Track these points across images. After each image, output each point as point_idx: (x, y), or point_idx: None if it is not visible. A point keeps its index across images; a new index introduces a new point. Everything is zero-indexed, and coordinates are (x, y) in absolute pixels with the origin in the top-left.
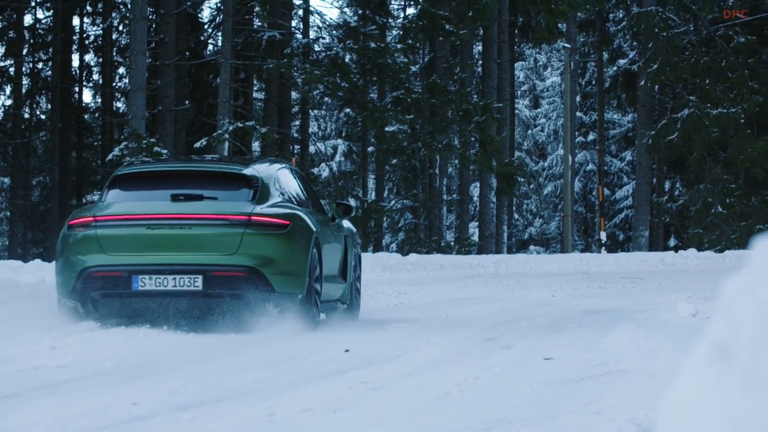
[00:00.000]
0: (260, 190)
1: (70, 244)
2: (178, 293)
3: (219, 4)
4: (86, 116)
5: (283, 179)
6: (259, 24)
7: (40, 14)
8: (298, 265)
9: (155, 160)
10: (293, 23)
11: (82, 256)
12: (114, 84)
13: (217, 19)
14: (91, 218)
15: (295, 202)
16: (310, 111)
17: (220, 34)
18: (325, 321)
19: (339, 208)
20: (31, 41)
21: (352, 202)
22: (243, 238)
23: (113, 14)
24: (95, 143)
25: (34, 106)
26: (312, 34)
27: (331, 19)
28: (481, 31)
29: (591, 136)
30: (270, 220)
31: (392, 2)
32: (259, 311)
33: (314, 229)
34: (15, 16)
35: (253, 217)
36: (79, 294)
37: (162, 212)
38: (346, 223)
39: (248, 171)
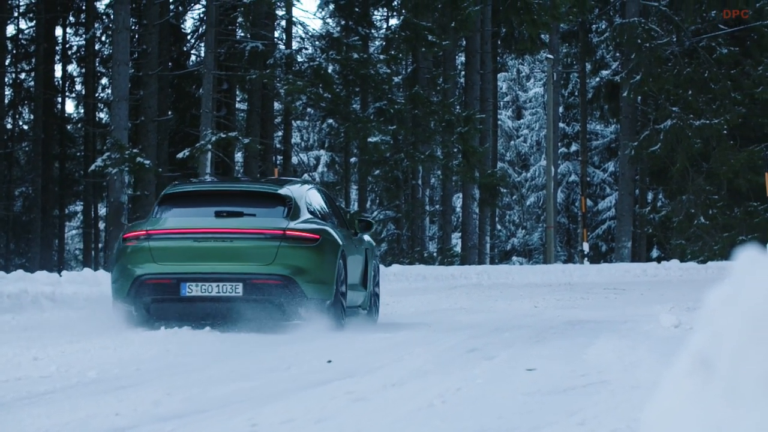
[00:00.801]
0: (293, 208)
1: (125, 255)
2: (221, 299)
3: (202, 15)
4: (69, 126)
5: (313, 198)
6: (242, 35)
7: (22, 24)
8: (327, 275)
9: (201, 181)
10: (276, 34)
11: (136, 266)
12: (97, 94)
13: (200, 29)
14: (143, 232)
15: (323, 218)
16: (292, 121)
17: (202, 44)
18: (312, 329)
19: (361, 223)
20: (14, 51)
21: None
22: (278, 250)
23: (96, 25)
24: (78, 154)
25: (17, 116)
26: (295, 45)
27: (313, 29)
28: (464, 42)
29: (574, 147)
30: (302, 234)
31: (375, 13)
32: (292, 315)
33: (340, 242)
34: None
35: (288, 232)
36: (132, 299)
37: (207, 227)
38: (367, 237)
39: (282, 191)
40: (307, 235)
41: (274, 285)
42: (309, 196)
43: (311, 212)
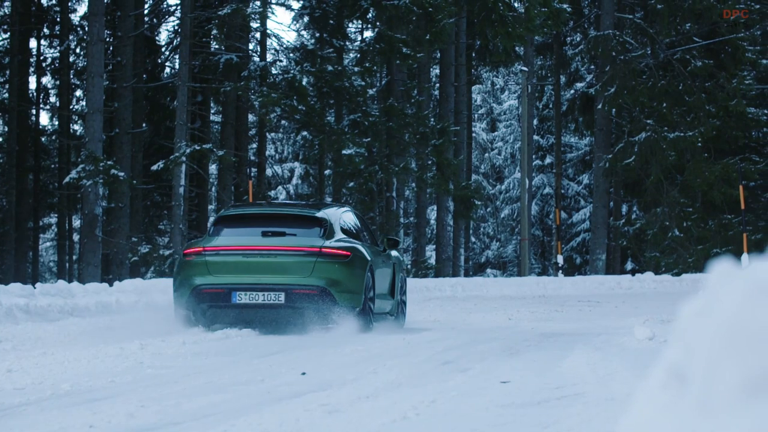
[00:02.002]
0: (328, 229)
1: (185, 268)
2: (266, 306)
3: (176, 27)
4: (43, 138)
5: (346, 219)
6: (217, 47)
7: None
8: (357, 285)
9: (250, 205)
10: (250, 46)
11: (194, 277)
12: (71, 106)
13: (175, 41)
14: (201, 249)
15: (355, 237)
16: (267, 134)
17: (177, 56)
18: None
19: (389, 241)
20: None
21: (399, 237)
22: (315, 264)
23: (70, 36)
24: (52, 166)
25: None
26: (269, 57)
27: (288, 42)
28: (439, 54)
29: (548, 160)
30: (336, 251)
31: (349, 25)
32: (326, 320)
33: (369, 258)
34: None
35: (323, 249)
36: (191, 305)
37: (254, 244)
38: (395, 253)
39: (319, 214)
40: (340, 251)
41: (311, 294)
42: (343, 218)
43: (344, 231)
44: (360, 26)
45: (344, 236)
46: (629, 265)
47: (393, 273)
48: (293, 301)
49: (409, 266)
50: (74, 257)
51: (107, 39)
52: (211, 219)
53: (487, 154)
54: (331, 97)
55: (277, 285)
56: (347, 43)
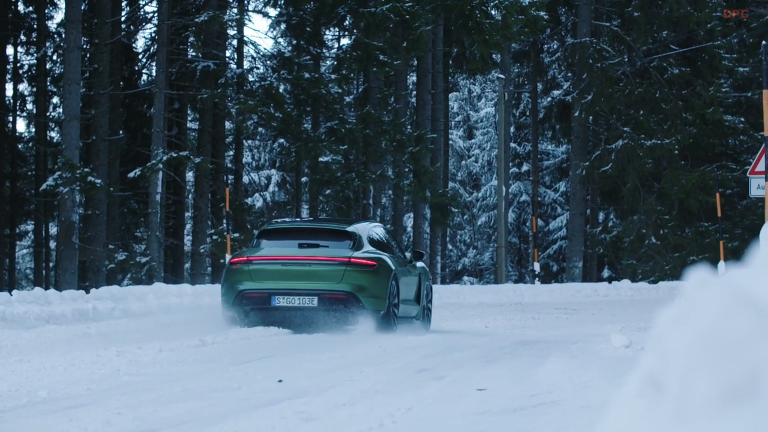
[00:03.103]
0: (357, 241)
1: (231, 275)
2: (301, 308)
3: (153, 34)
4: (20, 146)
5: (375, 233)
6: (194, 54)
7: None
8: (381, 292)
9: (290, 220)
10: (227, 53)
11: (239, 283)
12: (48, 113)
13: (152, 48)
14: (245, 258)
15: (382, 249)
16: (244, 141)
17: (154, 63)
18: (266, 349)
19: (414, 254)
20: None
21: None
22: (345, 273)
23: (47, 44)
24: (29, 173)
25: None
26: (246, 65)
27: (265, 49)
28: (416, 62)
29: (525, 167)
30: (363, 261)
31: (326, 33)
32: (353, 322)
33: (393, 268)
34: None
35: (352, 260)
36: (236, 307)
37: (292, 255)
38: (420, 264)
39: (350, 228)
40: (367, 261)
41: (341, 299)
42: (372, 232)
43: (373, 244)
44: (337, 34)
45: (372, 248)
46: (606, 273)
47: (419, 281)
48: (325, 304)
49: None
50: (51, 264)
51: (84, 46)
52: (256, 232)
53: (464, 162)
54: (308, 105)
55: (311, 290)
56: (324, 50)
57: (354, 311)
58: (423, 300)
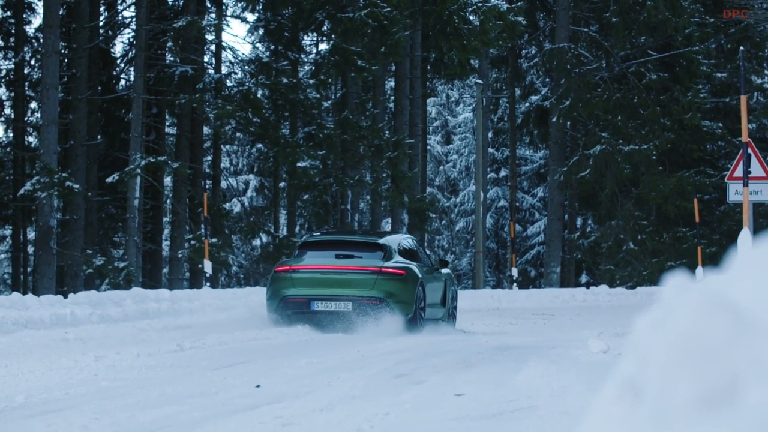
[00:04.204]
0: (387, 252)
1: (276, 282)
2: (337, 312)
3: (131, 39)
4: None
5: (404, 245)
6: (172, 59)
7: None
8: (409, 297)
9: (328, 232)
10: (206, 58)
11: (282, 289)
12: (26, 118)
13: (130, 53)
14: (288, 267)
15: (411, 259)
16: (222, 146)
17: (132, 68)
18: (243, 355)
19: (440, 262)
20: None
21: (449, 258)
22: (376, 280)
23: (25, 48)
24: (7, 177)
25: None
26: (224, 70)
27: (243, 54)
28: (394, 67)
29: (503, 172)
30: (392, 270)
31: (304, 38)
32: (384, 323)
33: (420, 276)
34: None
35: (383, 269)
36: (279, 311)
37: (329, 264)
38: (446, 270)
39: (381, 240)
40: (396, 270)
41: (372, 304)
42: (401, 243)
43: (402, 254)
44: (315, 39)
45: (401, 258)
46: (584, 278)
47: (444, 287)
48: (358, 308)
49: None
50: (29, 269)
51: (62, 51)
52: (298, 243)
53: (441, 167)
54: (285, 110)
55: (346, 296)
56: (302, 55)
57: (384, 315)
58: (448, 303)
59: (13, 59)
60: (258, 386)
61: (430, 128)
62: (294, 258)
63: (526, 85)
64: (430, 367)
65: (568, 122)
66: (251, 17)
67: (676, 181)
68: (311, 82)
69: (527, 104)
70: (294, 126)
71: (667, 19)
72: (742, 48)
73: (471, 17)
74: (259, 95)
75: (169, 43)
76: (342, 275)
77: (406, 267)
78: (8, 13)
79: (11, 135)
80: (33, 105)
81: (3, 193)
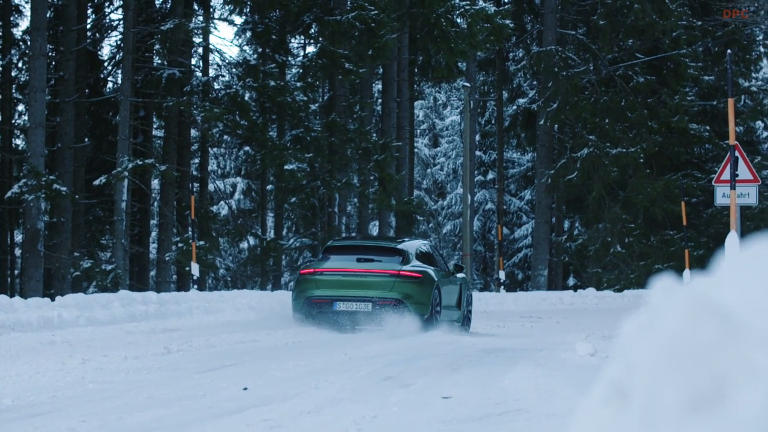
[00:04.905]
0: (405, 257)
1: (301, 283)
2: (358, 312)
3: (119, 42)
4: None
5: (422, 250)
6: (159, 62)
7: None
8: (425, 299)
9: (350, 238)
10: (193, 61)
11: (306, 291)
12: (13, 121)
13: (117, 56)
14: (313, 270)
15: (428, 263)
16: (209, 149)
17: (120, 71)
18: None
19: (456, 267)
20: None
21: (464, 263)
22: (395, 283)
23: (12, 51)
24: None
25: None
26: (212, 72)
27: (230, 57)
28: (381, 70)
29: (490, 175)
30: (410, 273)
31: (292, 41)
32: (402, 323)
33: (435, 279)
34: None
35: (401, 272)
36: (304, 310)
37: (351, 268)
38: (461, 275)
39: (400, 246)
40: (413, 274)
41: (391, 305)
42: (419, 249)
43: (419, 258)
44: (302, 41)
45: (418, 263)
46: (571, 281)
47: (460, 291)
48: (378, 309)
49: None
50: (16, 272)
51: (50, 53)
52: (322, 248)
53: (429, 170)
54: (273, 113)
55: (367, 297)
56: (290, 58)
57: (402, 315)
58: (464, 306)
59: (0, 61)
60: (245, 389)
61: (418, 131)
62: (318, 261)
63: (514, 87)
64: (418, 369)
65: (556, 125)
66: (239, 20)
67: (663, 184)
68: (299, 84)
69: (515, 107)
70: (281, 129)
71: (655, 22)
72: (729, 51)
73: (458, 20)
74: (246, 98)
75: (157, 46)
76: (363, 278)
77: (422, 271)
78: None
79: None
80: (20, 107)
81: None
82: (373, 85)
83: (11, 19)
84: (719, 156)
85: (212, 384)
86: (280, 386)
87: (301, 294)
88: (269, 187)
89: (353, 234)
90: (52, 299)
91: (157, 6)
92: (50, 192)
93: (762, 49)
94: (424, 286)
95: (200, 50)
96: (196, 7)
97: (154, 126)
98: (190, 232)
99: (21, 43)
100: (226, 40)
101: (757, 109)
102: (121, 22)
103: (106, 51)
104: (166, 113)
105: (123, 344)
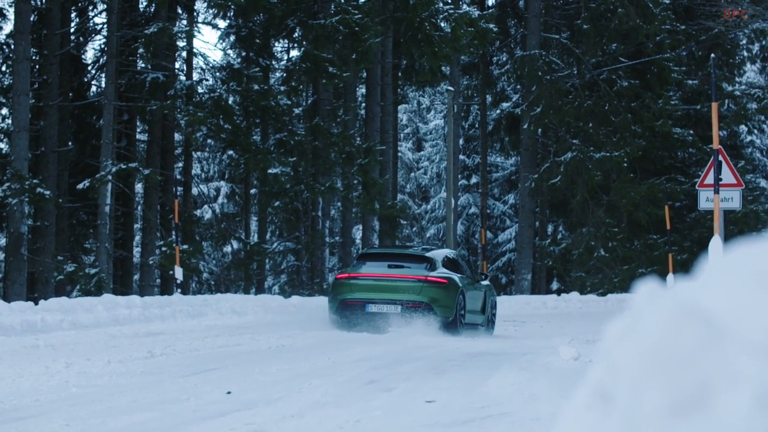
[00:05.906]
0: (432, 264)
1: (337, 287)
2: (388, 314)
3: (103, 46)
4: None
5: (448, 258)
6: (143, 65)
7: None
8: (450, 303)
9: (383, 246)
10: (177, 65)
11: (342, 294)
12: None
13: (101, 60)
14: (348, 275)
15: (454, 270)
16: (193, 153)
17: (103, 75)
18: (214, 361)
19: (480, 275)
20: None
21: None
22: (422, 288)
23: None
24: None
25: None
26: (195, 76)
27: (214, 61)
28: (365, 74)
29: (474, 179)
30: (436, 279)
31: (276, 45)
32: (428, 325)
33: (460, 285)
34: None
35: (428, 278)
36: (339, 312)
37: (382, 273)
38: (486, 282)
39: (428, 254)
40: (439, 279)
41: (418, 307)
42: (446, 256)
43: (445, 266)
44: (286, 45)
45: (445, 269)
46: (555, 285)
47: (484, 296)
48: (406, 311)
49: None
50: (0, 275)
51: (33, 57)
52: (356, 255)
53: (413, 174)
54: (257, 116)
55: (396, 300)
56: (273, 62)
57: (428, 317)
58: (488, 311)
59: None
60: (229, 393)
61: (401, 135)
62: (353, 267)
63: (497, 92)
64: (401, 374)
65: (539, 129)
66: (222, 24)
67: (647, 188)
68: (282, 88)
69: (498, 111)
70: (265, 133)
71: (638, 26)
72: (713, 55)
73: (442, 24)
74: (230, 102)
75: (141, 50)
76: (393, 282)
77: (448, 277)
78: None
79: None
80: (4, 111)
81: None
82: (357, 89)
83: None
84: (703, 160)
85: (196, 388)
86: (264, 390)
87: (337, 297)
88: (253, 191)
89: (386, 243)
90: (36, 303)
91: (141, 10)
92: (34, 196)
93: (745, 54)
94: (449, 291)
95: (184, 54)
96: (180, 11)
97: (138, 130)
98: (173, 236)
99: (5, 46)
100: (210, 44)
101: (740, 114)
102: (105, 26)
103: (89, 55)
104: (150, 117)
105: (107, 348)
